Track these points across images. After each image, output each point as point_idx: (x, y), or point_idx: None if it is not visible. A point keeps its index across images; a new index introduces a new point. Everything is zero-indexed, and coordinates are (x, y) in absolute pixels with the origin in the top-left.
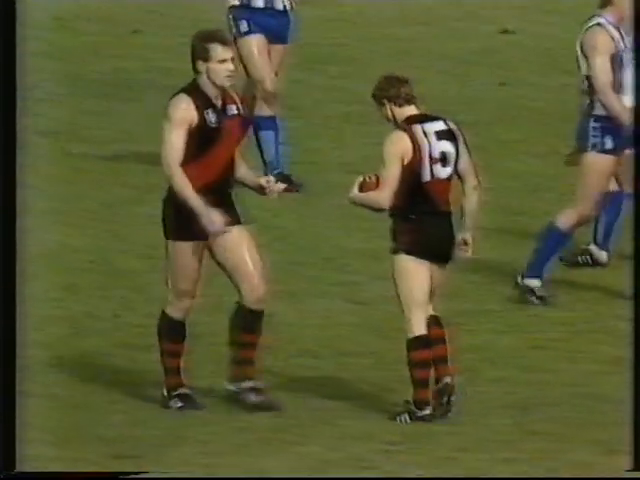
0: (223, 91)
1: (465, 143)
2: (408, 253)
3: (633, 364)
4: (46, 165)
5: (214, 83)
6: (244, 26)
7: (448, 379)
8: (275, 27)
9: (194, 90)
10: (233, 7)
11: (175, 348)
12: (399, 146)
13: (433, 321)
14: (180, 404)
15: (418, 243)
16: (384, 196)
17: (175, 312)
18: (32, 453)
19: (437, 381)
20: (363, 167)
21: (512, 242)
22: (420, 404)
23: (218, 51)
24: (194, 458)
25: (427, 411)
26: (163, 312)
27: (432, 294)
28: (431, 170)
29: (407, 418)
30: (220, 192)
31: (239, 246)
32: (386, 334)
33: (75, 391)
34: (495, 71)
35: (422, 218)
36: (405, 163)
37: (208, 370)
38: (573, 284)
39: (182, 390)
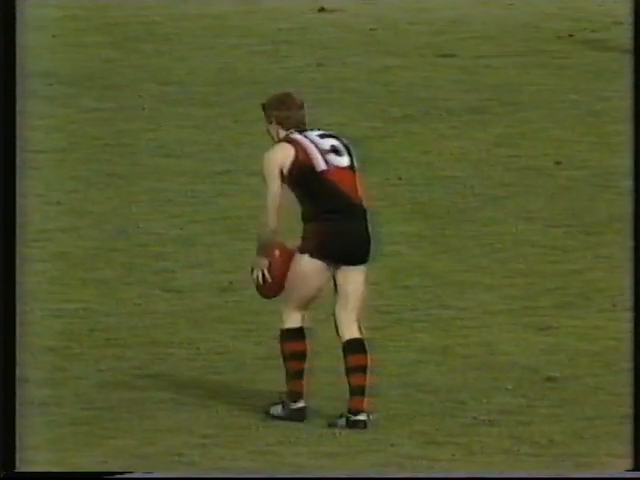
0: None
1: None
2: (312, 256)
3: (633, 362)
4: None
5: None
6: None
7: (363, 416)
8: None
9: None
10: None
11: None
12: (277, 158)
13: (355, 346)
14: None
15: (324, 246)
16: (268, 217)
17: None
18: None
19: (350, 412)
20: (178, 150)
21: None
22: (293, 395)
23: None
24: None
25: (300, 404)
26: None
27: (348, 302)
28: (324, 159)
29: (280, 410)
30: None
31: None
32: (201, 323)
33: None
34: (312, 51)
35: (331, 216)
36: (286, 171)
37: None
38: (391, 272)
39: None
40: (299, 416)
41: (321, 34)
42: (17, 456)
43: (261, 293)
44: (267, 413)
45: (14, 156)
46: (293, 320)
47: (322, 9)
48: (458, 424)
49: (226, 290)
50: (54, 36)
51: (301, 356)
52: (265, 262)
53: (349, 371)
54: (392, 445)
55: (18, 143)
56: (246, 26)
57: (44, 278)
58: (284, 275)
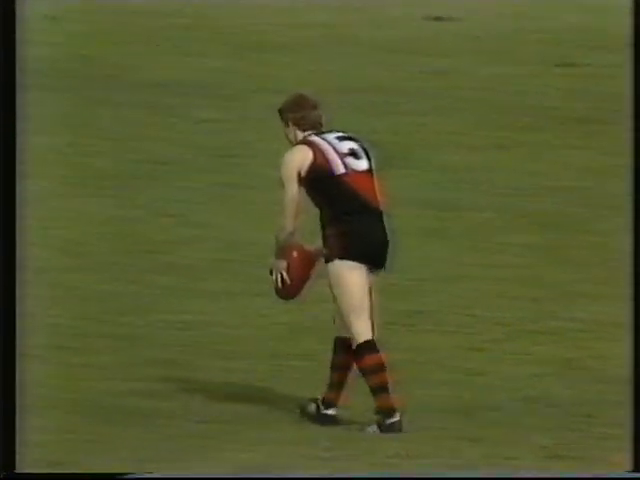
0: None
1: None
2: (341, 258)
3: (633, 364)
4: None
5: None
6: None
7: (397, 417)
8: None
9: None
10: None
11: None
12: (295, 160)
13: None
14: None
15: (350, 246)
16: (285, 220)
17: None
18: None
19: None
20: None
21: (450, 238)
22: (386, 411)
23: None
24: (126, 466)
25: (396, 417)
26: None
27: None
28: (343, 162)
29: (376, 429)
30: None
31: None
32: (323, 335)
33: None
34: (427, 60)
35: (351, 218)
36: (304, 174)
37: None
38: (509, 283)
39: None
40: (394, 430)
41: (435, 42)
42: (142, 467)
43: (280, 295)
44: (362, 431)
45: (14, 162)
46: (364, 333)
47: (437, 18)
48: (579, 438)
49: None
50: (157, 45)
51: (381, 368)
52: (284, 264)
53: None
54: (508, 458)
55: (18, 150)
56: (359, 34)
57: (164, 290)
58: (302, 276)
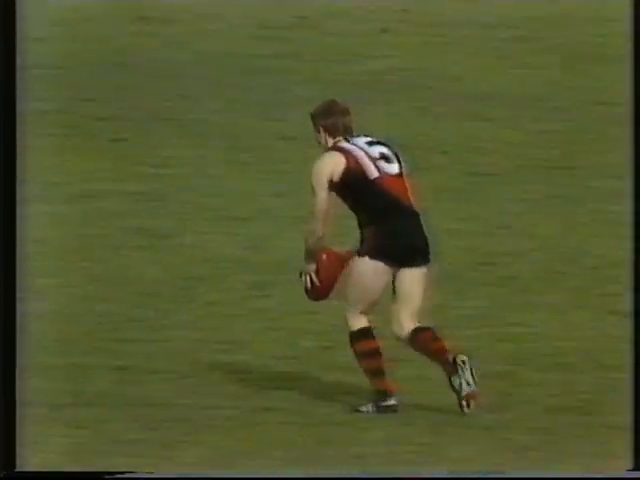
0: None
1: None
2: (371, 257)
3: (633, 365)
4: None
5: None
6: None
7: (392, 401)
8: None
9: None
10: None
11: None
12: (327, 166)
13: (427, 330)
14: None
15: (382, 247)
16: (316, 225)
17: None
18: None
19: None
20: (624, 171)
21: None
22: (381, 394)
23: None
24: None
25: (391, 401)
26: None
27: (407, 301)
28: (376, 167)
29: (370, 407)
30: None
31: None
32: None
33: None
34: None
35: (386, 220)
36: (337, 179)
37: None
38: None
39: None
40: (390, 412)
41: None
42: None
43: (310, 296)
44: (357, 411)
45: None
46: (359, 322)
47: None
48: None
49: None
50: (501, 58)
51: (374, 353)
52: (313, 266)
53: (436, 353)
54: None
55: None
56: None
57: (498, 302)
58: (331, 278)
